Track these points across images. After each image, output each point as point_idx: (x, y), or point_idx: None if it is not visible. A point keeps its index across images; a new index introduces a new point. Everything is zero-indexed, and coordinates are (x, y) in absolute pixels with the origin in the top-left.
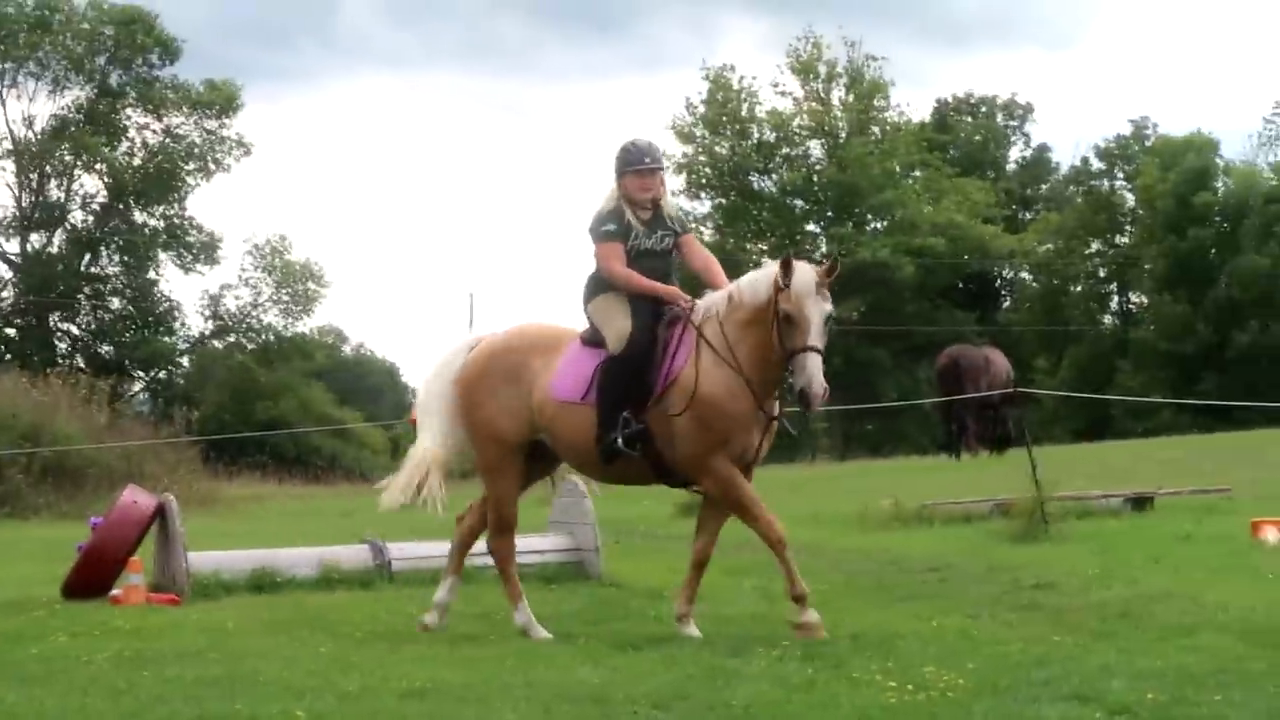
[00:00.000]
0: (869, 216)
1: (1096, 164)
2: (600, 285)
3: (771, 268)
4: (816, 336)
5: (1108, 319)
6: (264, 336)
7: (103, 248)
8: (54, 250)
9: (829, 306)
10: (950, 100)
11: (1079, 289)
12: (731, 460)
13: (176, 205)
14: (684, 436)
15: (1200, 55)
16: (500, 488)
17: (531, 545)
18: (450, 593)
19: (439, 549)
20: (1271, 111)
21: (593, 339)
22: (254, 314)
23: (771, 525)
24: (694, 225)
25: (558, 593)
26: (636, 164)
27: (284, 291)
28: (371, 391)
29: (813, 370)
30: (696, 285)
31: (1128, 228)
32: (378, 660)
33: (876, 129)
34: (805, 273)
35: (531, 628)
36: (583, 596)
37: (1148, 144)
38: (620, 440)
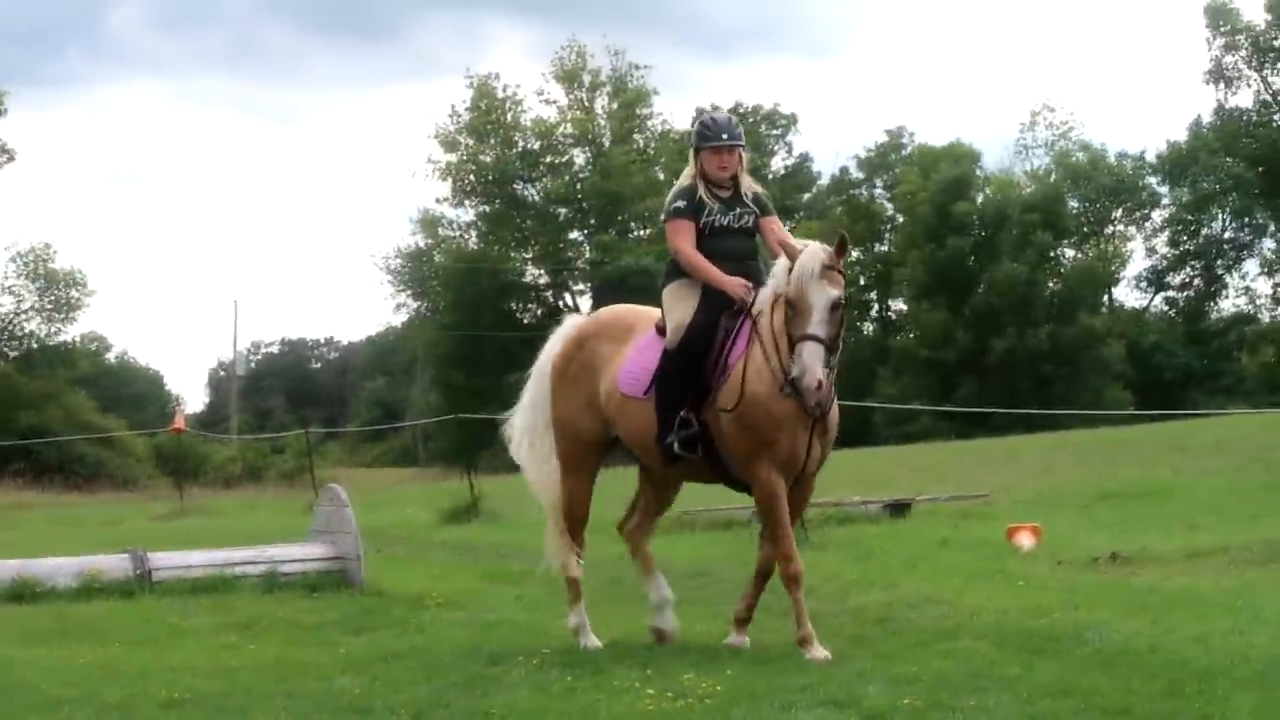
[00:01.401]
0: (632, 224)
1: (856, 173)
2: (676, 270)
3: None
4: (818, 324)
5: (868, 326)
6: (26, 344)
7: None
8: None
9: (835, 291)
10: (713, 109)
11: None
12: (779, 466)
13: None
14: (730, 436)
15: (955, 66)
16: (571, 483)
17: (293, 554)
18: (661, 589)
19: (201, 559)
20: (1029, 120)
21: (663, 327)
22: (16, 322)
23: (790, 559)
24: (459, 233)
25: (319, 601)
26: (713, 140)
27: (47, 299)
28: (136, 399)
29: (808, 360)
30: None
31: (887, 236)
32: (139, 670)
33: (640, 137)
34: (808, 255)
35: (583, 632)
36: (345, 605)
37: (904, 153)
38: (676, 445)
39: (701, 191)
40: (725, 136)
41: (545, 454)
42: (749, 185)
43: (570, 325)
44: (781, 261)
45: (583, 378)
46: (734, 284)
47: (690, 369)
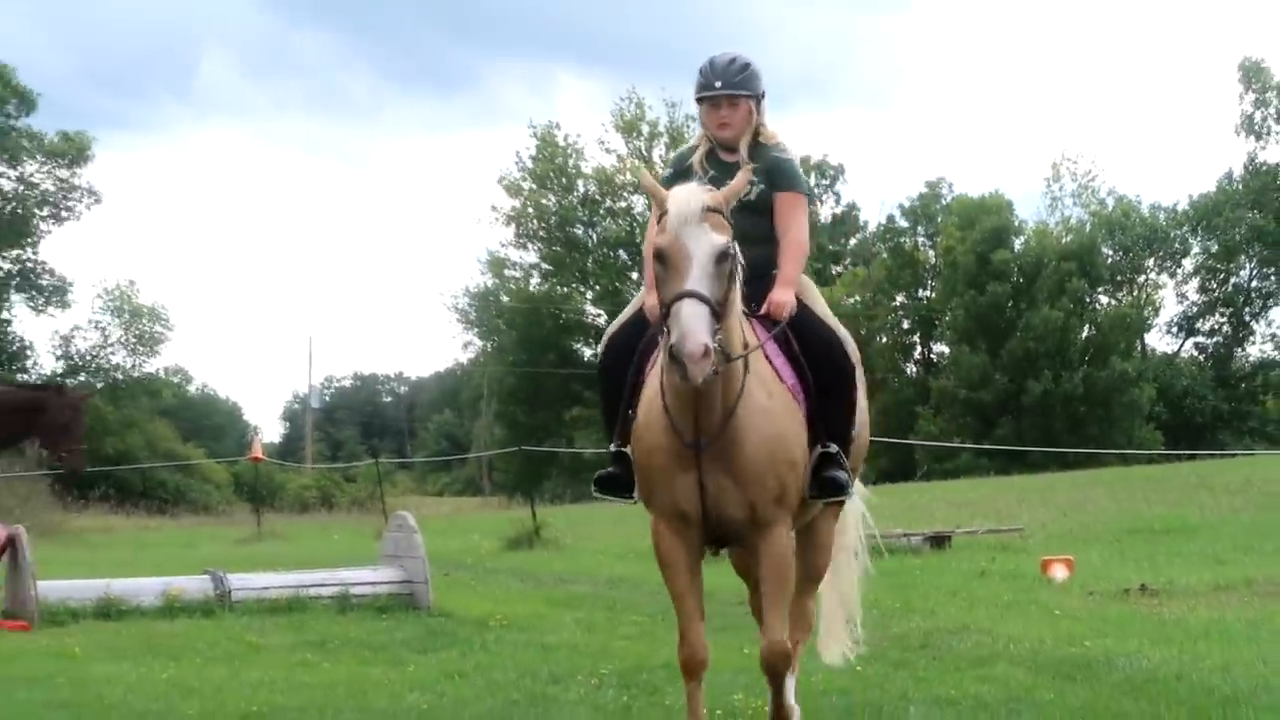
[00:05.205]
0: None
1: (901, 221)
2: None
3: None
4: (699, 278)
5: (911, 368)
6: (112, 376)
7: None
8: None
9: (720, 238)
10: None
11: (885, 340)
12: (665, 519)
13: (29, 250)
14: None
15: (989, 118)
16: None
17: (364, 577)
18: None
19: (278, 580)
20: (1052, 172)
21: None
22: (103, 354)
23: (681, 642)
24: (523, 273)
25: (389, 622)
26: (706, 90)
27: (131, 333)
28: (215, 429)
29: (688, 321)
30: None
31: (930, 282)
32: (217, 685)
33: None
34: (682, 197)
35: None
36: (413, 626)
37: (944, 203)
38: (593, 485)
39: (696, 157)
40: (719, 84)
41: None
42: (769, 144)
43: None
44: None
45: None
46: (649, 302)
47: (612, 390)
